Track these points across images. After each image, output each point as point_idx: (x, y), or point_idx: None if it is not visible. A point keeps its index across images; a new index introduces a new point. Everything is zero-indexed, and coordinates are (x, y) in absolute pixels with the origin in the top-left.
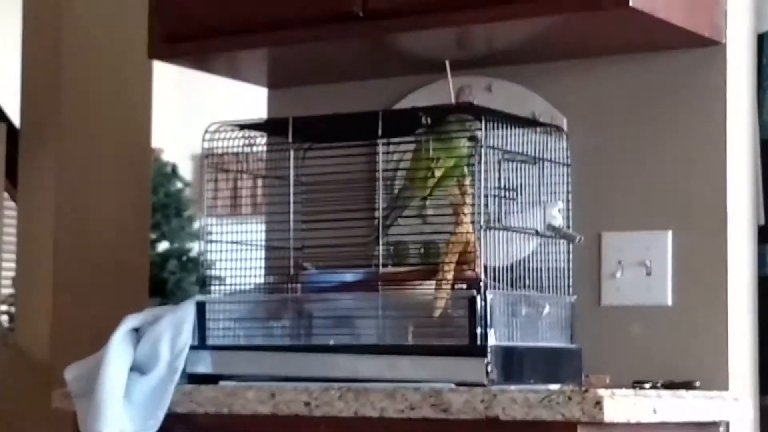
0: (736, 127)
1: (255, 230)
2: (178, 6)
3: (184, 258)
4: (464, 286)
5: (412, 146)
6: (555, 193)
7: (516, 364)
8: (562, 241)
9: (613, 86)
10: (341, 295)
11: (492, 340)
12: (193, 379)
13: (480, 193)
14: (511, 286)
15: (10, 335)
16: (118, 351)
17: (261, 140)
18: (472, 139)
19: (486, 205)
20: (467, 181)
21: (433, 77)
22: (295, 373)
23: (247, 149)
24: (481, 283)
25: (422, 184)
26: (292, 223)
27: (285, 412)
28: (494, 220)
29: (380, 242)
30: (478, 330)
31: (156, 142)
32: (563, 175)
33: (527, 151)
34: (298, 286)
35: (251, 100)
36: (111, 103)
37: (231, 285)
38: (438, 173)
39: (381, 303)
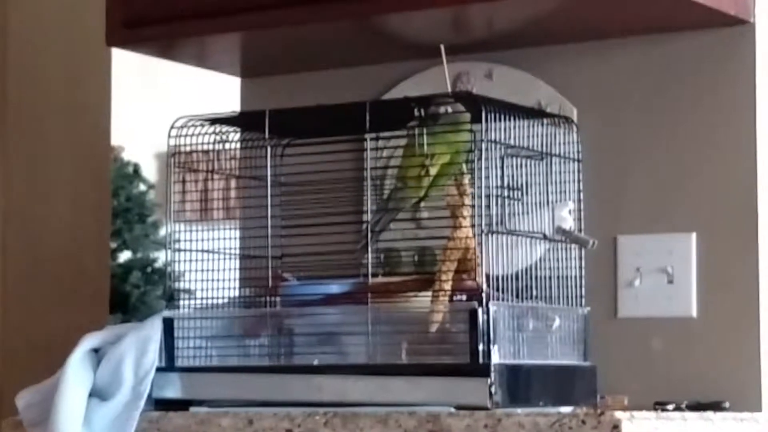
0: (767, 116)
1: (228, 237)
2: None
3: (149, 269)
4: (464, 297)
5: (403, 141)
6: (565, 192)
7: (523, 385)
8: (573, 246)
9: (629, 71)
10: (326, 309)
11: (496, 358)
12: (160, 404)
13: (481, 193)
14: (517, 296)
15: None
16: (76, 374)
17: (234, 136)
18: (470, 131)
19: (487, 207)
20: (466, 180)
21: (427, 63)
22: (275, 397)
23: (218, 146)
24: (483, 294)
25: (416, 183)
26: (270, 229)
27: None
28: (497, 223)
29: (369, 249)
30: (480, 346)
31: (116, 139)
32: (574, 172)
33: (533, 146)
34: (278, 299)
35: (223, 92)
36: (64, 96)
37: (202, 299)
38: (433, 171)
39: (371, 317)
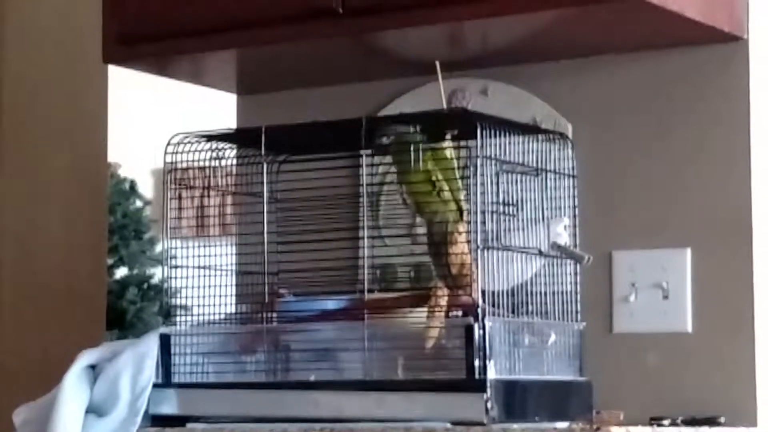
0: (761, 132)
1: (224, 253)
2: (135, 4)
3: (146, 285)
4: (460, 313)
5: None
6: (560, 207)
7: (519, 400)
8: (568, 261)
9: (623, 88)
10: (322, 325)
11: (492, 374)
12: (157, 421)
13: (476, 209)
14: (513, 312)
15: None
16: (73, 391)
17: (230, 153)
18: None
19: (483, 223)
20: (462, 196)
21: (423, 80)
22: (271, 413)
23: (214, 163)
24: (479, 310)
25: (444, 207)
26: (266, 245)
27: None
28: (492, 239)
29: (365, 265)
30: (476, 362)
31: (112, 155)
32: (569, 188)
33: (528, 162)
34: (274, 315)
35: (219, 108)
36: (61, 112)
37: (198, 315)
38: (446, 191)
39: (367, 333)
